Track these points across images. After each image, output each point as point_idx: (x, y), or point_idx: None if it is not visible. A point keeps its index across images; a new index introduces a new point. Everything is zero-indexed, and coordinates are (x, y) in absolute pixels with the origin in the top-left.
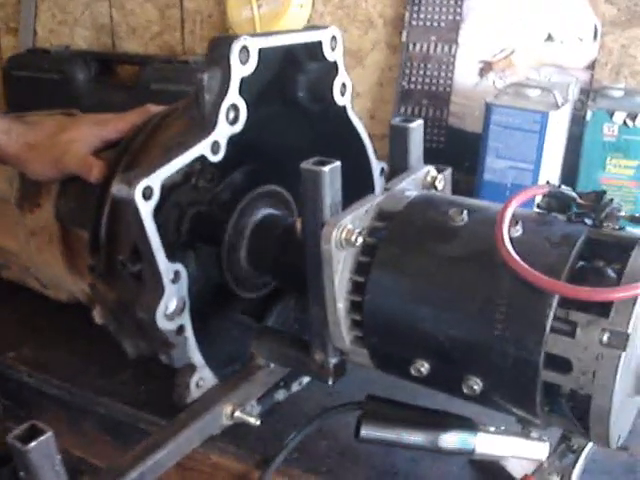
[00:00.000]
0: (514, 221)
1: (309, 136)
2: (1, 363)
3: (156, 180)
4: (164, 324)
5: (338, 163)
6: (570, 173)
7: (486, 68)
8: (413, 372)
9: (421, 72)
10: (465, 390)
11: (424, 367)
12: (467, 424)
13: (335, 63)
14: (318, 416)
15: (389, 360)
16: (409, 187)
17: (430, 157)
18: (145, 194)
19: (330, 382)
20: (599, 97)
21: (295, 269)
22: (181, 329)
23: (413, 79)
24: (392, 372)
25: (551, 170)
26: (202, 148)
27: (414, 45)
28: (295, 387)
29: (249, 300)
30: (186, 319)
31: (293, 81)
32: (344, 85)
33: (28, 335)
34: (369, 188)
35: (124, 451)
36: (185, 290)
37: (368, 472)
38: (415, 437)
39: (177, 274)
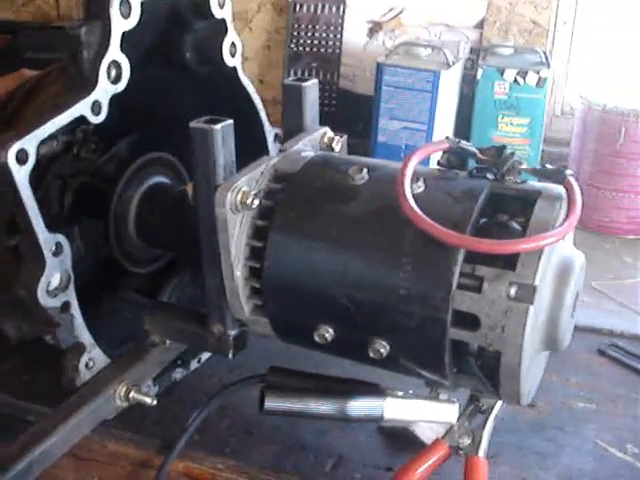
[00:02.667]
0: (415, 177)
1: (198, 101)
2: None
3: (31, 143)
4: (47, 301)
5: (230, 121)
6: (462, 132)
7: (375, 28)
8: (317, 339)
9: (309, 34)
10: (372, 354)
11: (328, 333)
12: (374, 390)
13: (224, 21)
14: (218, 393)
15: (291, 328)
16: (305, 148)
17: (322, 121)
18: (19, 158)
19: (230, 355)
20: (489, 55)
21: (188, 239)
22: (66, 306)
23: (301, 41)
24: (295, 341)
25: (444, 130)
26: (81, 108)
27: (301, 6)
28: (194, 365)
29: (141, 277)
30: (71, 295)
31: (179, 41)
32: (234, 45)
33: None
34: (265, 154)
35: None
36: (69, 263)
37: (275, 449)
38: (322, 406)
39: (59, 246)
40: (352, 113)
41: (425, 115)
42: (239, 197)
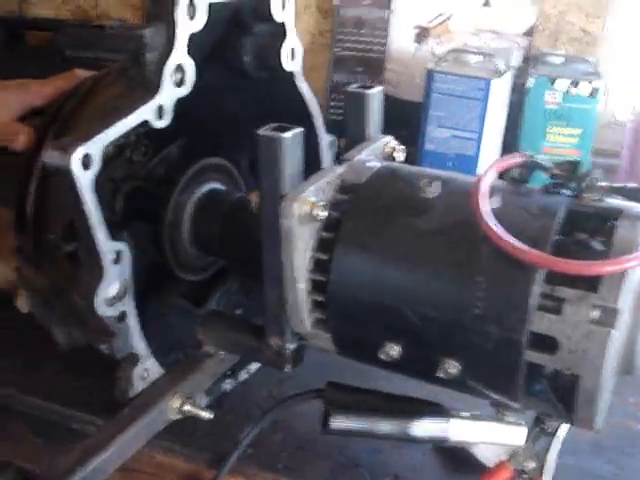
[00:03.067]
0: (490, 192)
1: (252, 106)
2: None
3: (96, 147)
4: (104, 310)
5: (300, 130)
6: (510, 142)
7: (422, 34)
8: (382, 356)
9: (354, 38)
10: (441, 374)
11: (394, 351)
12: (438, 410)
13: (283, 25)
14: (274, 408)
15: (355, 344)
16: (369, 158)
17: None
18: (84, 163)
19: (288, 369)
20: (539, 64)
21: (244, 248)
22: (123, 316)
23: (346, 45)
24: (357, 357)
25: (493, 139)
26: (146, 112)
27: (346, 9)
28: (243, 375)
29: (186, 283)
30: (129, 304)
31: (238, 44)
32: (293, 50)
33: None
34: (317, 162)
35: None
36: (128, 272)
37: (329, 465)
38: (386, 426)
39: (119, 254)
40: (396, 119)
41: (475, 123)
42: (306, 208)
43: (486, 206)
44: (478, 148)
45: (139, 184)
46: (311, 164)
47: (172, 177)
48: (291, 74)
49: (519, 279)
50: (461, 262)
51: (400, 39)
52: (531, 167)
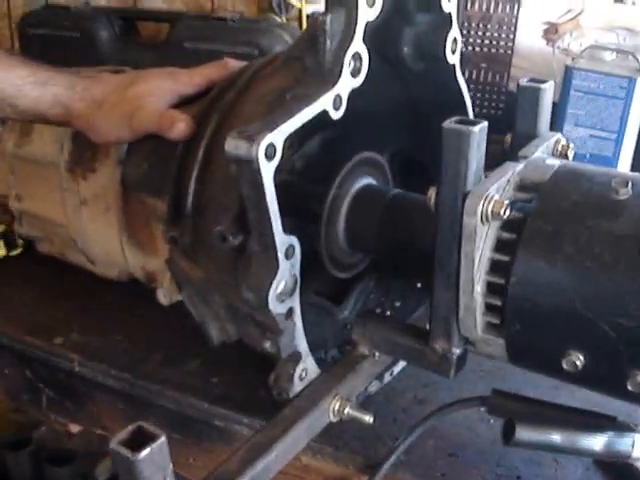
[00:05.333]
0: None
1: (402, 100)
2: (47, 351)
3: (280, 137)
4: (275, 306)
5: (486, 123)
6: None
7: (551, 30)
8: (566, 366)
9: (480, 33)
10: (630, 387)
11: (579, 360)
12: (614, 423)
13: (450, 15)
14: (434, 414)
15: (532, 352)
16: (545, 156)
17: (490, 125)
18: (268, 153)
19: (451, 375)
20: None
21: (404, 246)
22: (291, 312)
23: (471, 40)
24: (533, 366)
25: (633, 140)
26: (325, 102)
27: (472, 4)
28: (387, 378)
29: (324, 281)
30: (296, 301)
31: (399, 34)
32: (455, 41)
33: (76, 318)
34: None
35: (196, 451)
36: (298, 267)
37: (488, 476)
38: (569, 440)
39: (291, 248)
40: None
41: (615, 123)
42: (491, 206)
43: None
44: (617, 149)
45: (286, 177)
46: None
47: (315, 171)
48: (449, 66)
49: None
50: None
51: (527, 35)
52: None
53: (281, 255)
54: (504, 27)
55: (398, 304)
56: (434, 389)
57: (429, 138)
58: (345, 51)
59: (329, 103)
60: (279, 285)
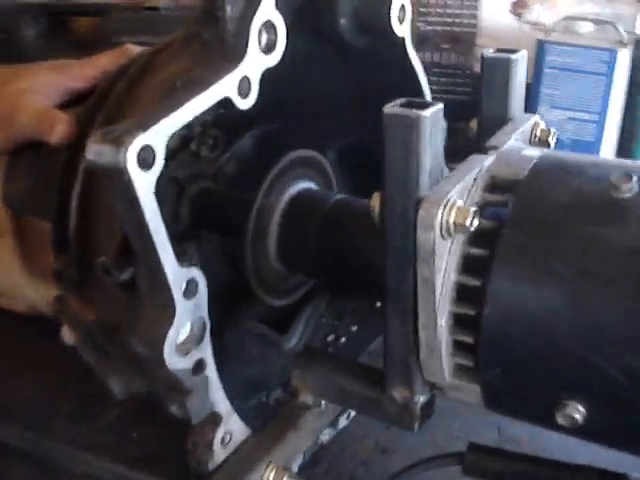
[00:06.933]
0: None
1: (344, 83)
2: None
3: (159, 136)
4: (175, 362)
5: (441, 105)
6: (630, 129)
7: (519, 3)
8: (561, 420)
9: (440, 10)
10: None
11: (579, 413)
12: None
13: None
14: (399, 476)
15: (517, 401)
16: (521, 145)
17: (454, 110)
18: (142, 158)
19: (415, 428)
20: None
21: (350, 264)
22: (200, 366)
23: (431, 19)
24: (519, 416)
25: (615, 122)
26: (226, 87)
27: None
28: (342, 422)
29: (266, 305)
30: (206, 350)
31: (332, 1)
32: (403, 9)
33: None
34: None
35: None
36: (204, 307)
37: None
38: None
39: (192, 284)
40: None
41: (596, 103)
42: (453, 215)
43: None
44: (599, 132)
45: (208, 185)
46: None
47: (250, 176)
48: (398, 40)
49: None
50: None
51: (493, 10)
52: None
53: (177, 294)
54: (466, 3)
55: (355, 328)
56: (399, 432)
57: (378, 129)
58: (251, 19)
59: (233, 88)
60: (178, 333)
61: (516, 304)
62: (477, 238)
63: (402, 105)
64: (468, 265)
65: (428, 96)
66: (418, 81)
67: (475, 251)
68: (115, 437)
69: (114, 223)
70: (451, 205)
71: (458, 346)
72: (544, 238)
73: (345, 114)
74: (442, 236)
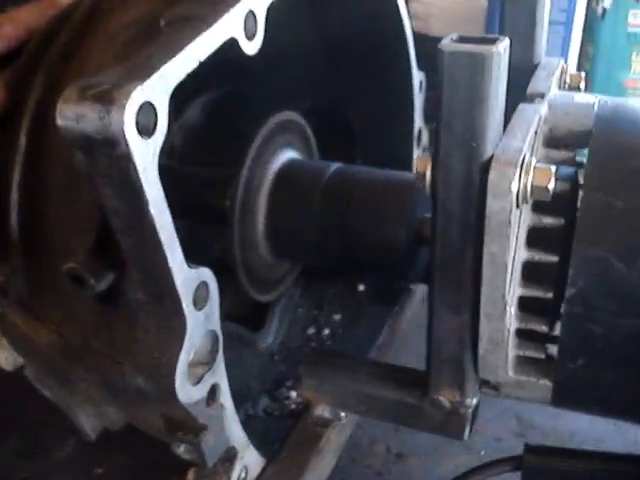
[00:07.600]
0: None
1: (318, 37)
2: None
3: (160, 90)
4: (189, 393)
5: (507, 40)
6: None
7: None
8: None
9: None
10: None
11: None
12: None
13: None
14: None
15: (599, 396)
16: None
17: None
18: (143, 121)
19: (465, 437)
20: None
21: (369, 247)
22: (214, 392)
23: None
24: (595, 410)
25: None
26: (230, 26)
27: None
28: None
29: (237, 300)
30: (221, 371)
31: None
32: None
33: None
34: (406, 108)
35: None
36: (217, 317)
37: None
38: None
39: (203, 289)
40: (428, 62)
41: (556, 54)
42: (531, 178)
43: None
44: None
45: (165, 163)
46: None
47: (201, 149)
48: None
49: None
50: None
51: None
52: None
53: (187, 303)
54: None
55: (338, 317)
56: (408, 432)
57: (354, 88)
58: None
59: (239, 26)
60: (189, 356)
61: (606, 281)
62: (549, 206)
63: (460, 41)
64: (539, 238)
65: (412, 53)
66: (404, 33)
67: (549, 220)
68: (72, 475)
69: (81, 218)
70: (527, 165)
71: (527, 336)
72: (630, 200)
73: (313, 72)
74: (517, 204)
